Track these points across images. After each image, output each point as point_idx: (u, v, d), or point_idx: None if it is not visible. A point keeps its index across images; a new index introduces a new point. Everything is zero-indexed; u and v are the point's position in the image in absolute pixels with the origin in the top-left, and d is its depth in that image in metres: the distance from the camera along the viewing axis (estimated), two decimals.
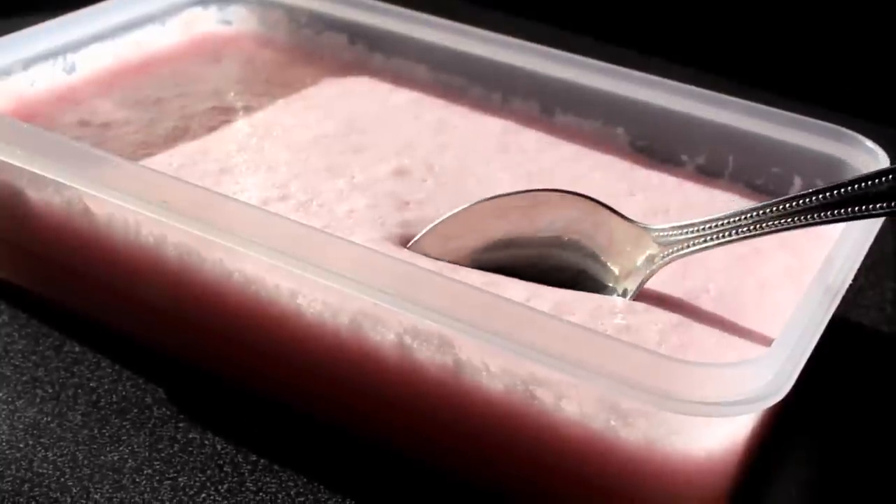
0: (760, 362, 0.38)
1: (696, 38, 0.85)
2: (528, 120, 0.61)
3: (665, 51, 0.81)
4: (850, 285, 0.44)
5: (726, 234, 0.45)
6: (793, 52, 0.83)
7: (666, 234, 0.47)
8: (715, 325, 0.46)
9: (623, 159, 0.58)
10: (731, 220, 0.45)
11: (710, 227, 0.45)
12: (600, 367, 0.38)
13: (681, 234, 0.46)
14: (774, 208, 0.44)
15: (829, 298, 0.43)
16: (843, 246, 0.45)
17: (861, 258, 0.46)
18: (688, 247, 0.46)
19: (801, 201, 0.43)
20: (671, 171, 0.57)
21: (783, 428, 0.48)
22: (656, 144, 0.58)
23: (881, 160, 0.51)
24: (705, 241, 0.45)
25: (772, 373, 0.38)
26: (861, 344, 0.56)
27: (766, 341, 0.44)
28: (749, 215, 0.44)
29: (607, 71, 0.59)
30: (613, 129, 0.59)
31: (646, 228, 0.47)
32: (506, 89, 0.62)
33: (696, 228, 0.46)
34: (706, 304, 0.47)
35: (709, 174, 0.57)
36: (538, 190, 0.50)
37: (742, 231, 0.44)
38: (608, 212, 0.48)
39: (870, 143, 0.52)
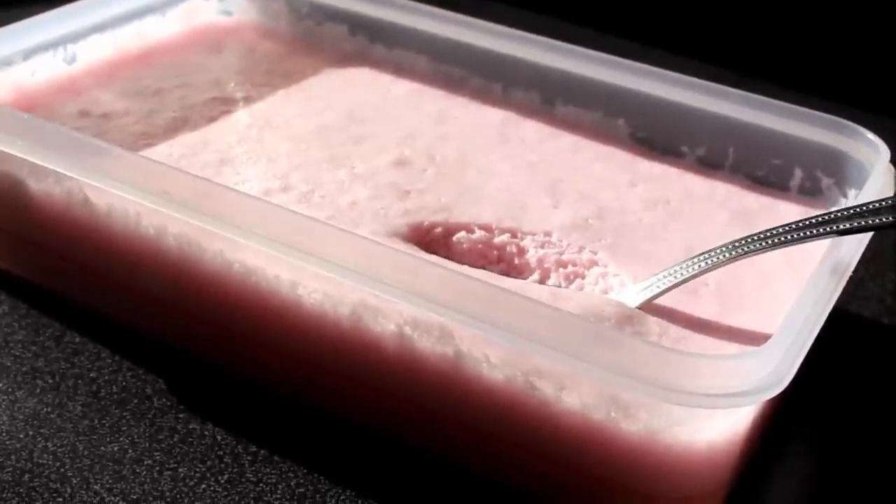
0: (761, 354, 0.38)
1: (696, 29, 0.85)
2: (528, 111, 0.61)
3: (666, 42, 0.80)
4: (851, 277, 0.44)
5: (693, 268, 0.45)
6: (794, 44, 0.83)
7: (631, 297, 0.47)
8: (715, 316, 0.46)
9: (624, 150, 0.58)
10: (701, 257, 0.45)
11: (677, 270, 0.46)
12: (601, 359, 0.38)
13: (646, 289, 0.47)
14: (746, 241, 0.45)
15: (830, 290, 0.43)
16: (844, 238, 0.45)
17: (862, 249, 0.46)
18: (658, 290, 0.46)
19: (772, 231, 0.44)
20: (672, 163, 0.57)
21: (783, 419, 0.48)
22: (657, 136, 0.58)
23: (882, 152, 0.51)
24: (676, 278, 0.46)
25: (772, 364, 0.38)
26: (861, 335, 0.56)
27: (766, 333, 0.44)
28: (719, 249, 0.45)
29: (608, 62, 0.58)
30: (614, 120, 0.59)
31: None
32: (506, 80, 0.62)
33: (660, 279, 0.46)
34: (706, 296, 0.47)
35: (710, 165, 0.57)
36: None
37: (711, 261, 0.45)
38: None
39: (870, 135, 0.52)
